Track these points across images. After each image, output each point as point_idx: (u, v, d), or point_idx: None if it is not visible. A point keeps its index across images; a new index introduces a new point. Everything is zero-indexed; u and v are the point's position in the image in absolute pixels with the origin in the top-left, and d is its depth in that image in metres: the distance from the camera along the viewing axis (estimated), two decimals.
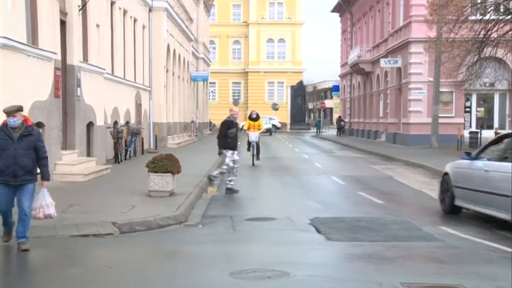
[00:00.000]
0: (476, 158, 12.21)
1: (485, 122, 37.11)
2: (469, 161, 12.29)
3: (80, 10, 18.03)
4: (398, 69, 39.72)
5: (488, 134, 30.11)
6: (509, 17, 26.82)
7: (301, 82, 79.27)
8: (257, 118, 24.09)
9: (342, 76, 63.14)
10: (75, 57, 17.75)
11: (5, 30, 12.98)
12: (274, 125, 65.80)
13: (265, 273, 7.72)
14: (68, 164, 16.58)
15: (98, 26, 20.08)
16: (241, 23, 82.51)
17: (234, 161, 15.86)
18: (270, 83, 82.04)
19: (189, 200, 13.23)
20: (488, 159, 11.84)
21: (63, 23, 17.15)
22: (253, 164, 23.33)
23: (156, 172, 13.51)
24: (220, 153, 16.28)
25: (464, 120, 36.62)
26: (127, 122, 24.88)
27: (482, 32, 27.39)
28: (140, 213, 11.49)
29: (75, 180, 15.97)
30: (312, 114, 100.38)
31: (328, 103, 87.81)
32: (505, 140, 12.15)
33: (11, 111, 8.76)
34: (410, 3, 36.56)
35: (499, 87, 34.73)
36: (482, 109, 38.38)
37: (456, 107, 36.25)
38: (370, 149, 34.42)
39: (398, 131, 39.25)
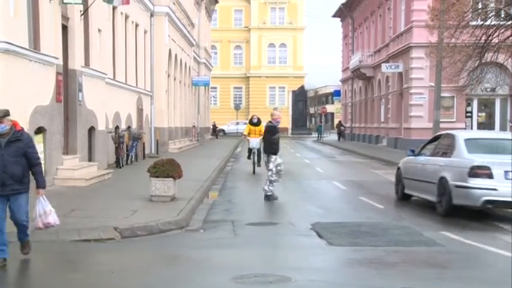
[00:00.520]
0: (418, 154, 15.20)
1: (486, 127, 37.07)
2: (413, 157, 15.35)
3: (81, 15, 18.07)
4: (400, 74, 39.75)
5: None
6: (510, 22, 26.83)
7: (302, 87, 79.32)
8: (258, 123, 23.05)
9: (343, 81, 63.18)
10: (76, 62, 17.78)
11: (7, 35, 13.01)
12: None
13: (267, 278, 7.73)
14: (70, 168, 16.59)
15: (99, 30, 20.12)
16: (242, 28, 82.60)
17: (278, 165, 15.61)
18: (271, 88, 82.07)
19: (191, 205, 13.24)
20: (426, 155, 14.75)
21: (65, 28, 17.18)
22: (253, 173, 22.41)
23: (157, 177, 13.52)
24: (265, 160, 15.73)
25: (466, 125, 36.59)
26: (128, 127, 24.90)
27: (483, 38, 27.40)
28: (142, 218, 11.49)
29: (76, 185, 15.98)
30: (313, 119, 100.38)
31: (330, 108, 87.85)
32: (438, 139, 15.03)
33: None
34: (412, 9, 36.61)
35: (500, 93, 34.74)
36: (483, 114, 38.37)
37: (457, 112, 36.26)
38: (371, 154, 34.42)
39: (399, 136, 39.25)
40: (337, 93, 69.98)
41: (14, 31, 13.51)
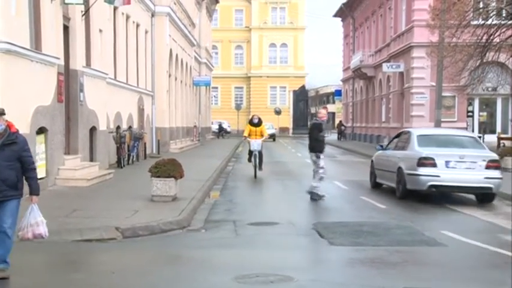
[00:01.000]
0: (386, 148, 18.23)
1: (487, 127, 37.10)
2: (382, 151, 18.31)
3: (83, 15, 18.07)
4: (401, 73, 39.75)
5: (490, 139, 30.12)
6: (511, 21, 26.83)
7: (303, 87, 79.38)
8: (259, 123, 21.53)
9: (344, 81, 63.18)
10: (78, 62, 17.79)
11: (8, 35, 13.01)
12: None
13: (268, 277, 7.73)
14: (71, 168, 16.60)
15: (100, 31, 20.13)
16: (243, 28, 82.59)
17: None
18: (272, 88, 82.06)
19: (192, 205, 13.24)
20: (390, 149, 17.44)
21: (66, 28, 17.19)
22: (255, 177, 20.80)
23: (158, 177, 13.52)
24: (317, 157, 15.60)
25: (467, 125, 36.60)
26: (130, 127, 24.91)
27: (484, 37, 27.40)
28: (143, 218, 11.50)
29: (78, 185, 15.99)
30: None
31: (331, 108, 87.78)
32: (400, 136, 17.76)
33: None
34: (413, 8, 36.60)
35: (501, 92, 34.73)
36: (484, 114, 38.38)
37: (458, 111, 36.26)
38: (372, 154, 34.26)
39: None
40: (338, 92, 70.02)
41: (16, 31, 13.51)
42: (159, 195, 13.51)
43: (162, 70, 31.60)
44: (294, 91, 77.75)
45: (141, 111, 28.10)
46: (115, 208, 12.61)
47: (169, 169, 13.52)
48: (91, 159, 19.12)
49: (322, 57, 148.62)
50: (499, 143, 27.93)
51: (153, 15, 30.50)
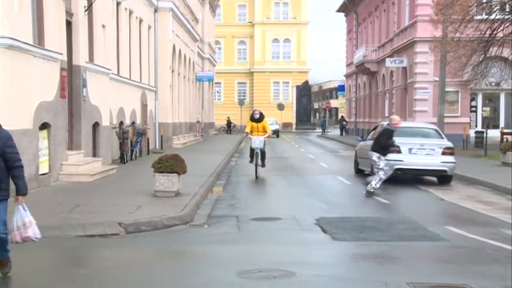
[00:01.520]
0: (365, 139, 20.84)
1: (491, 122, 37.05)
2: (363, 142, 20.85)
3: (85, 11, 18.07)
4: (404, 68, 39.68)
5: (494, 134, 30.08)
6: None
7: (306, 82, 79.25)
8: (261, 119, 19.69)
9: (348, 76, 63.11)
10: (81, 58, 17.79)
11: (11, 31, 13.02)
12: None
13: (271, 273, 7.74)
14: (74, 164, 16.62)
15: (103, 26, 20.12)
16: (246, 23, 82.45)
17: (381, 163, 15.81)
18: (275, 83, 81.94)
19: (195, 200, 13.25)
20: (368, 140, 19.66)
21: (69, 24, 17.19)
22: (256, 177, 19.23)
23: (161, 172, 13.53)
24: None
25: (470, 120, 36.56)
26: (133, 122, 24.92)
27: (487, 32, 27.36)
28: (146, 213, 11.51)
29: (81, 180, 16.01)
30: (317, 114, 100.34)
31: (334, 103, 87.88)
32: (375, 129, 20.29)
33: None
34: (416, 3, 36.52)
35: (504, 87, 34.65)
36: (488, 108, 38.33)
37: (462, 106, 36.20)
38: None
39: None
40: (341, 88, 69.94)
41: (18, 27, 13.51)
42: (162, 191, 13.52)
43: (165, 65, 31.61)
44: (297, 86, 77.63)
45: (144, 106, 28.11)
46: (118, 203, 12.62)
47: (172, 165, 13.52)
48: (94, 155, 19.14)
49: (326, 53, 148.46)
50: (502, 138, 27.90)
51: (156, 11, 30.49)
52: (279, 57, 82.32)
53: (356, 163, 21.35)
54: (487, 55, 28.82)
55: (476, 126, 36.43)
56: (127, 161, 22.05)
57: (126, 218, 10.91)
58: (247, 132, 20.02)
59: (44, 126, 15.02)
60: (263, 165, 19.69)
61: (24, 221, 7.21)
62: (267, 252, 9.30)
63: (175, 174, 13.59)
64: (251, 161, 19.82)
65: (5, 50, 12.89)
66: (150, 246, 9.78)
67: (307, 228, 11.19)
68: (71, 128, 17.45)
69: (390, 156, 16.83)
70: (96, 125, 19.39)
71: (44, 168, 15.03)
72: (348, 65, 62.51)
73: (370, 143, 18.27)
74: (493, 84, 34.06)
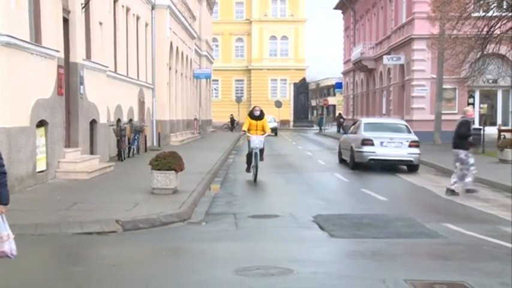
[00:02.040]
0: (347, 132, 24.39)
1: (488, 119, 37.06)
2: (346, 135, 24.40)
3: (83, 8, 18.04)
4: (401, 66, 39.71)
5: (491, 131, 30.10)
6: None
7: (304, 79, 79.30)
8: (261, 116, 18.13)
9: (345, 73, 63.13)
10: (78, 55, 17.76)
11: (8, 28, 12.98)
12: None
13: (269, 270, 7.73)
14: (71, 161, 16.61)
15: (100, 23, 20.09)
16: (244, 21, 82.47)
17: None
18: (273, 81, 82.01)
19: (192, 198, 13.25)
20: (350, 133, 23.20)
21: (66, 21, 17.15)
22: (254, 180, 17.75)
23: (159, 170, 13.51)
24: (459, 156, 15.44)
25: None
26: (130, 120, 24.90)
27: (485, 29, 27.38)
28: (143, 210, 11.50)
29: (78, 178, 15.99)
30: (315, 112, 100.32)
31: (331, 100, 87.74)
32: (355, 123, 24.17)
33: None
34: (413, 0, 36.53)
35: (502, 84, 34.72)
36: (485, 106, 38.35)
37: (459, 103, 36.19)
38: None
39: None
40: (338, 85, 69.95)
41: (15, 24, 13.48)
42: (159, 188, 13.51)
43: (162, 63, 31.57)
44: (295, 84, 77.67)
45: (141, 104, 28.09)
46: (115, 201, 12.61)
47: (169, 162, 13.51)
48: (91, 152, 19.12)
49: (323, 50, 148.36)
50: (499, 135, 27.91)
51: (153, 8, 30.45)
52: (276, 54, 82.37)
53: (339, 154, 24.39)
54: (485, 52, 28.83)
55: (473, 123, 36.43)
56: (124, 159, 22.04)
57: (123, 216, 10.90)
58: (244, 131, 18.27)
59: (41, 123, 14.99)
60: (261, 159, 18.18)
61: (2, 235, 6.11)
62: (264, 249, 9.30)
63: (173, 172, 13.58)
64: (248, 170, 18.38)
65: (2, 47, 12.85)
66: (148, 243, 9.77)
67: (305, 225, 11.19)
68: (68, 126, 17.42)
69: (365, 148, 20.24)
70: (93, 123, 19.36)
71: (41, 166, 15.01)
72: (345, 63, 62.52)
73: (352, 136, 22.03)
74: (490, 81, 34.12)
